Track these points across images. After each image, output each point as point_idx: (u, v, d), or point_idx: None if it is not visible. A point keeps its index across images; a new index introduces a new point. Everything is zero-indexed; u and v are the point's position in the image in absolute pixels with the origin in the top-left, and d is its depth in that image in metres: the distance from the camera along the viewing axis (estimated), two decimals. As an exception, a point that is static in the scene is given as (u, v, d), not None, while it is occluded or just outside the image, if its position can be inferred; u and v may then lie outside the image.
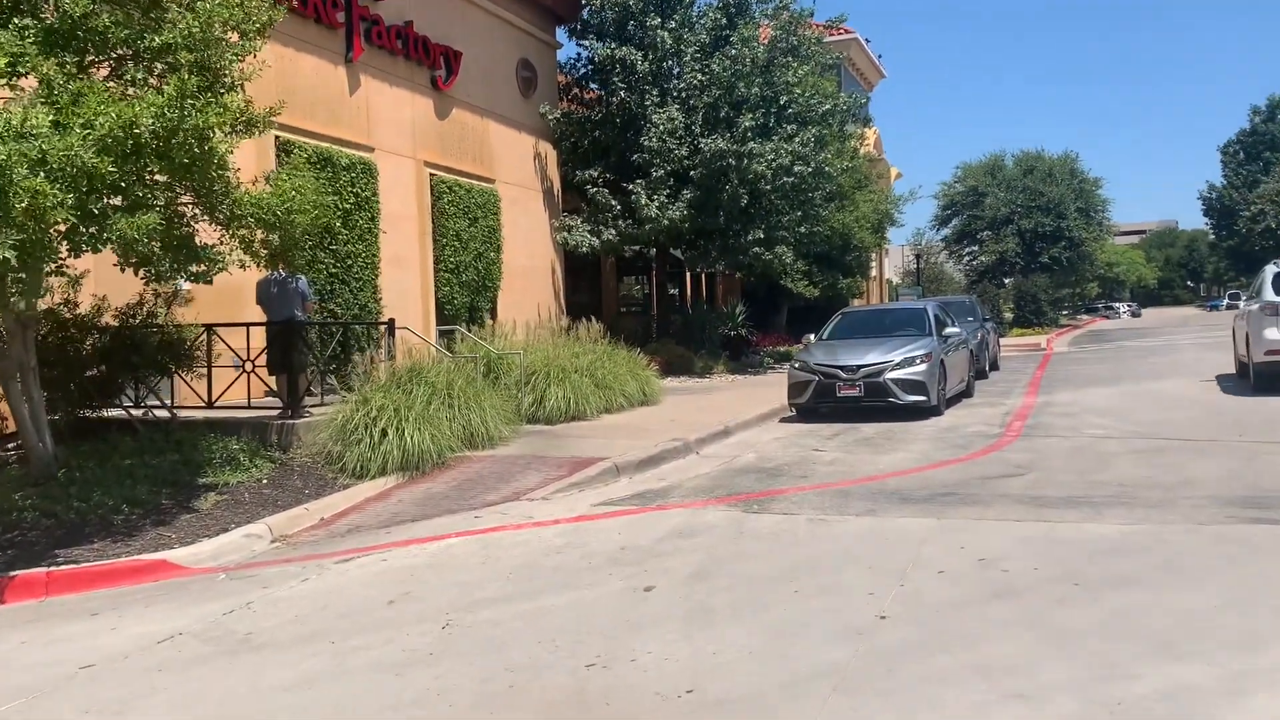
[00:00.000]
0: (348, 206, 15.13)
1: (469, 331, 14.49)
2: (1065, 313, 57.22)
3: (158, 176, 8.17)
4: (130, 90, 7.89)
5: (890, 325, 15.01)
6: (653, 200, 20.08)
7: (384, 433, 9.53)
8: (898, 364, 13.14)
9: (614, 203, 20.99)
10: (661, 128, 20.16)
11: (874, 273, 36.94)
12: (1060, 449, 10.20)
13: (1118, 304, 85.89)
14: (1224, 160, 68.93)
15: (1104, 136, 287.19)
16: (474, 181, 18.66)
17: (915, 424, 12.78)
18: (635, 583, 5.99)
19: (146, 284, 8.63)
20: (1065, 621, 4.89)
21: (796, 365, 13.88)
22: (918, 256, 50.39)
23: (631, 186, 20.22)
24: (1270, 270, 14.87)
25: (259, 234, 9.23)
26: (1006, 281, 47.89)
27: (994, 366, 21.53)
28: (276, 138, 14.20)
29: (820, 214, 23.68)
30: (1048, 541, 6.51)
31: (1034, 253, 47.78)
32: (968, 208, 50.78)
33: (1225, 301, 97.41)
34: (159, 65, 8.15)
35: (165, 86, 7.51)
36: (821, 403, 13.51)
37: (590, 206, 21.59)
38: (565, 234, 20.90)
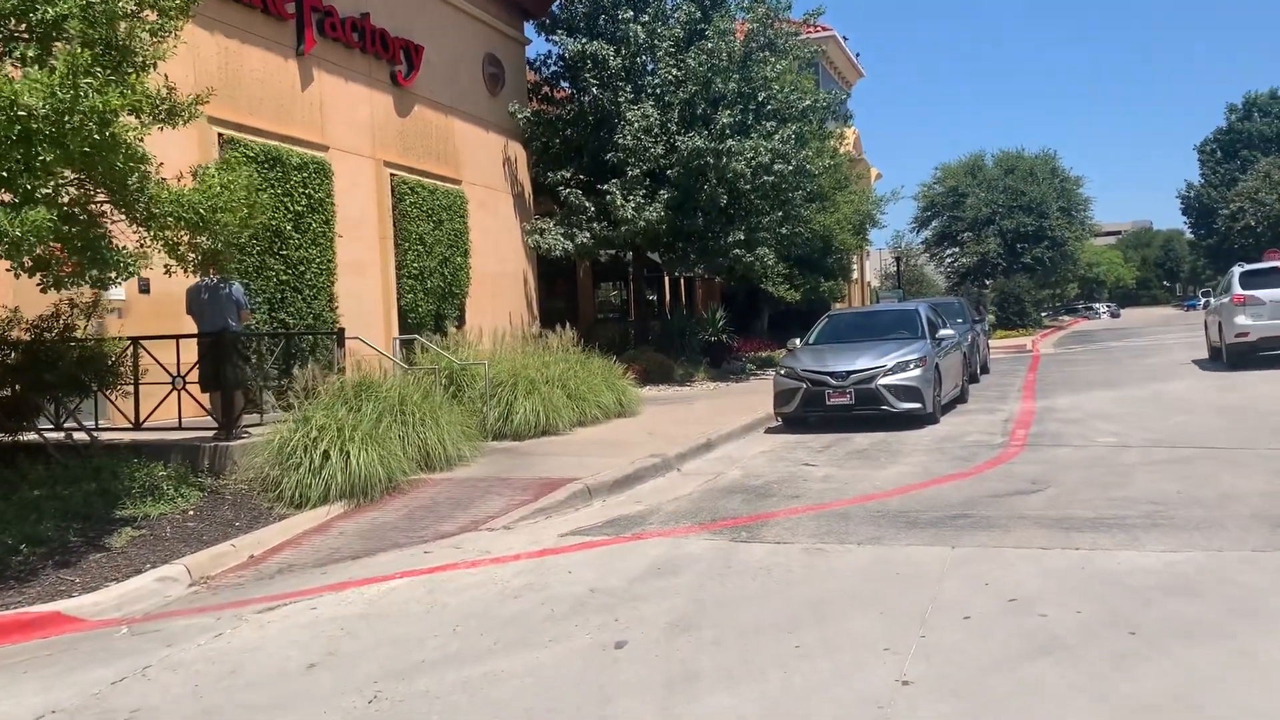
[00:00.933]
0: (300, 209, 14.13)
1: (430, 341, 13.50)
2: (1046, 314, 56.80)
3: (65, 171, 7.19)
4: (20, 69, 6.88)
5: (881, 328, 14.12)
6: (629, 200, 19.16)
7: (326, 455, 8.52)
8: (890, 369, 12.24)
9: (588, 204, 20.05)
10: (636, 125, 19.25)
11: (855, 275, 36.14)
12: (1074, 460, 9.32)
13: (1097, 304, 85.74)
14: (1201, 159, 68.77)
15: (1076, 138, 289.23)
16: (438, 182, 17.68)
17: (911, 433, 11.89)
18: (605, 636, 5.03)
19: (45, 291, 7.59)
20: (1134, 689, 3.96)
21: (782, 372, 12.96)
22: (897, 259, 49.70)
23: (606, 186, 19.29)
24: (1236, 271, 18.48)
25: (185, 236, 8.25)
26: (988, 283, 47.22)
27: (984, 370, 20.73)
28: (220, 135, 13.22)
29: (801, 214, 22.83)
30: (1084, 575, 5.59)
31: (1016, 253, 47.18)
32: (948, 209, 50.14)
33: (1201, 301, 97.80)
34: (56, 43, 7.14)
35: (54, 63, 6.51)
36: (810, 411, 12.59)
37: (563, 209, 20.65)
38: (537, 237, 19.93)
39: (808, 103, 21.54)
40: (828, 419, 12.73)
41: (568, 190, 20.11)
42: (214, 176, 8.29)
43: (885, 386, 12.13)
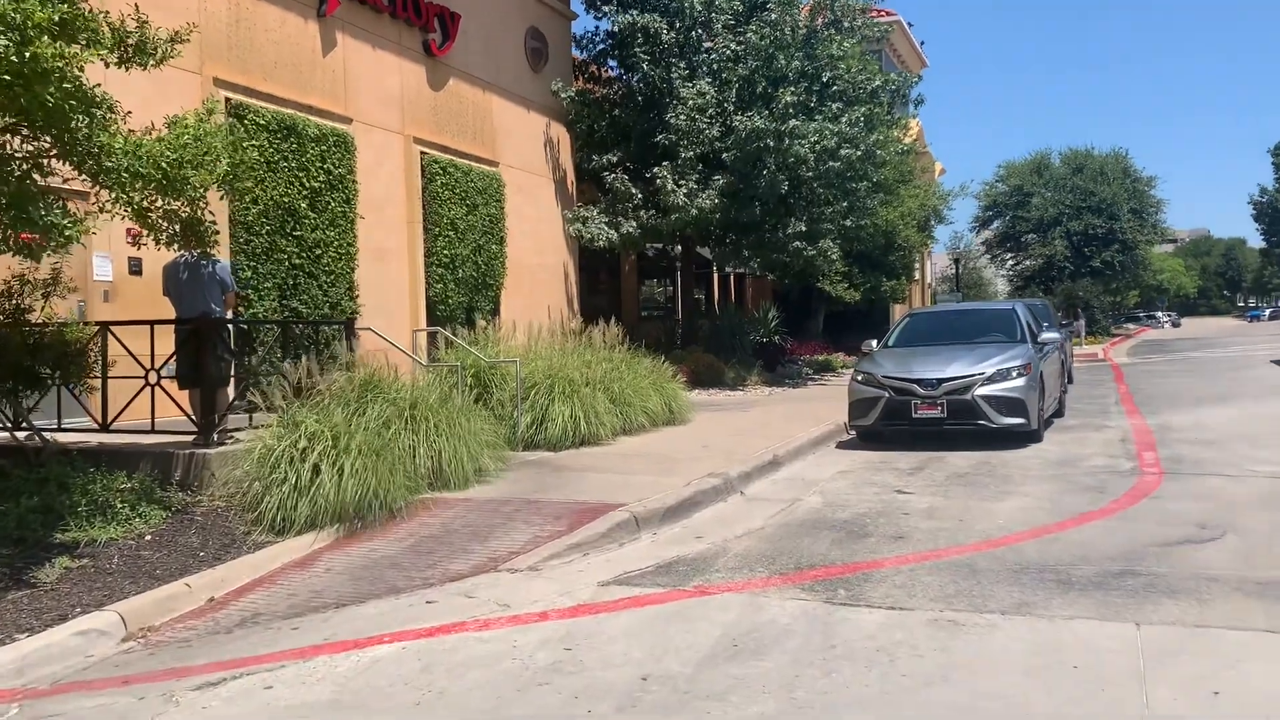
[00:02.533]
0: (317, 185, 12.66)
1: (456, 335, 11.92)
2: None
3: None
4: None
5: (971, 329, 12.30)
6: (680, 186, 17.48)
7: (316, 469, 6.94)
8: (990, 377, 10.45)
9: (635, 191, 18.40)
10: (690, 104, 17.57)
11: (918, 276, 34.19)
12: (1240, 496, 7.50)
13: (1158, 313, 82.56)
14: (1276, 162, 65.45)
15: (1138, 139, 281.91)
16: (473, 164, 16.14)
17: (1015, 454, 10.11)
18: (666, 768, 3.37)
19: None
20: None
21: (860, 378, 11.20)
22: (956, 261, 47.47)
23: (657, 170, 17.61)
24: None
25: (157, 200, 6.75)
26: (1054, 287, 44.89)
27: (1070, 380, 18.77)
28: (228, 100, 11.76)
29: (867, 206, 21.00)
30: (1361, 684, 3.84)
31: (1084, 256, 44.77)
32: (1011, 209, 47.80)
33: (1269, 311, 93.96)
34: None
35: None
36: (891, 425, 10.84)
37: (608, 196, 19.01)
38: (579, 225, 18.31)
39: (877, 83, 19.73)
40: (911, 434, 10.97)
41: (613, 176, 18.47)
42: (189, 128, 6.78)
43: (983, 398, 10.35)
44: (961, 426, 10.48)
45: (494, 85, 16.97)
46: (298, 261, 12.30)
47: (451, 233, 15.38)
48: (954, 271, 47.43)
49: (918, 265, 33.23)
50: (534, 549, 6.39)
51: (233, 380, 8.53)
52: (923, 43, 32.44)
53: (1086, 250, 45.17)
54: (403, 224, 14.76)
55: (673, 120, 17.70)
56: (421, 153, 15.12)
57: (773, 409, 14.92)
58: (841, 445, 11.51)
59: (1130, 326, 59.82)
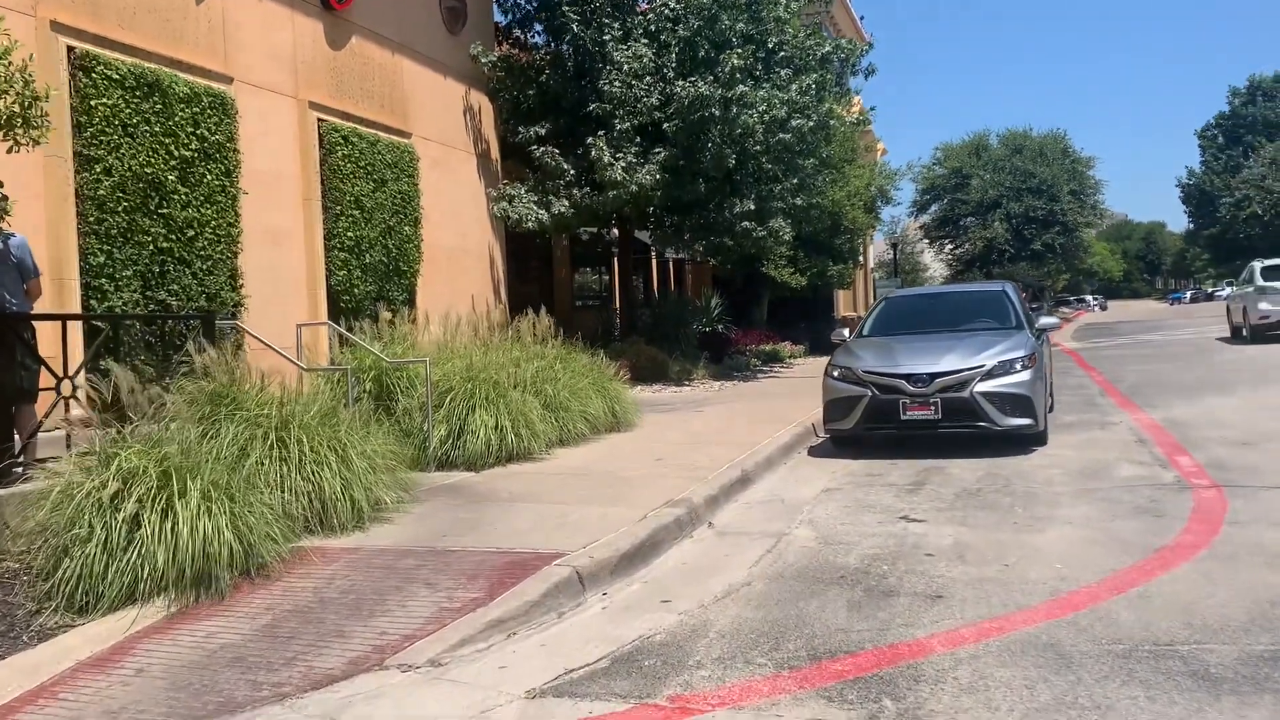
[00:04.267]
0: (189, 154, 10.62)
1: (358, 331, 9.99)
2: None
3: None
4: None
5: (958, 315, 10.72)
6: (617, 160, 15.68)
7: (136, 520, 5.01)
8: (990, 371, 8.86)
9: (566, 167, 16.56)
10: (626, 68, 15.77)
11: (862, 259, 32.86)
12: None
13: (1087, 296, 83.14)
14: (1202, 145, 65.92)
15: (1063, 125, 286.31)
16: (381, 134, 14.14)
17: (1023, 460, 8.55)
18: None
19: None
20: None
21: (836, 374, 9.53)
22: (894, 246, 46.46)
23: (590, 142, 15.77)
24: (1257, 265, 23.17)
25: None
26: (994, 271, 44.06)
27: (1039, 367, 17.45)
28: (71, 49, 9.65)
29: (816, 184, 19.42)
30: None
31: (1024, 239, 44.01)
32: (950, 191, 46.89)
33: (1189, 293, 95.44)
34: None
35: None
36: (875, 428, 9.20)
37: (537, 173, 17.13)
38: (505, 205, 16.39)
39: (827, 49, 18.15)
40: (897, 439, 9.36)
41: (542, 150, 16.59)
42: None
43: (984, 395, 8.75)
44: (958, 429, 8.88)
45: (405, 47, 14.96)
46: (165, 244, 10.26)
47: (356, 212, 13.39)
48: (892, 257, 46.43)
49: (863, 249, 31.90)
50: (438, 629, 4.56)
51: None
52: (862, 18, 31.11)
53: (1026, 233, 44.44)
54: (298, 202, 12.74)
55: (606, 87, 15.88)
56: (319, 120, 13.08)
57: (727, 408, 13.23)
58: (814, 451, 9.86)
59: (1066, 310, 59.65)
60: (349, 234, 13.22)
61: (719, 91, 15.56)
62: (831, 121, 17.46)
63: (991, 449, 8.99)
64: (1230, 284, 58.18)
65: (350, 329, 9.77)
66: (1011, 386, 8.80)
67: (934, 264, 54.73)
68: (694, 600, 4.99)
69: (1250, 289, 22.56)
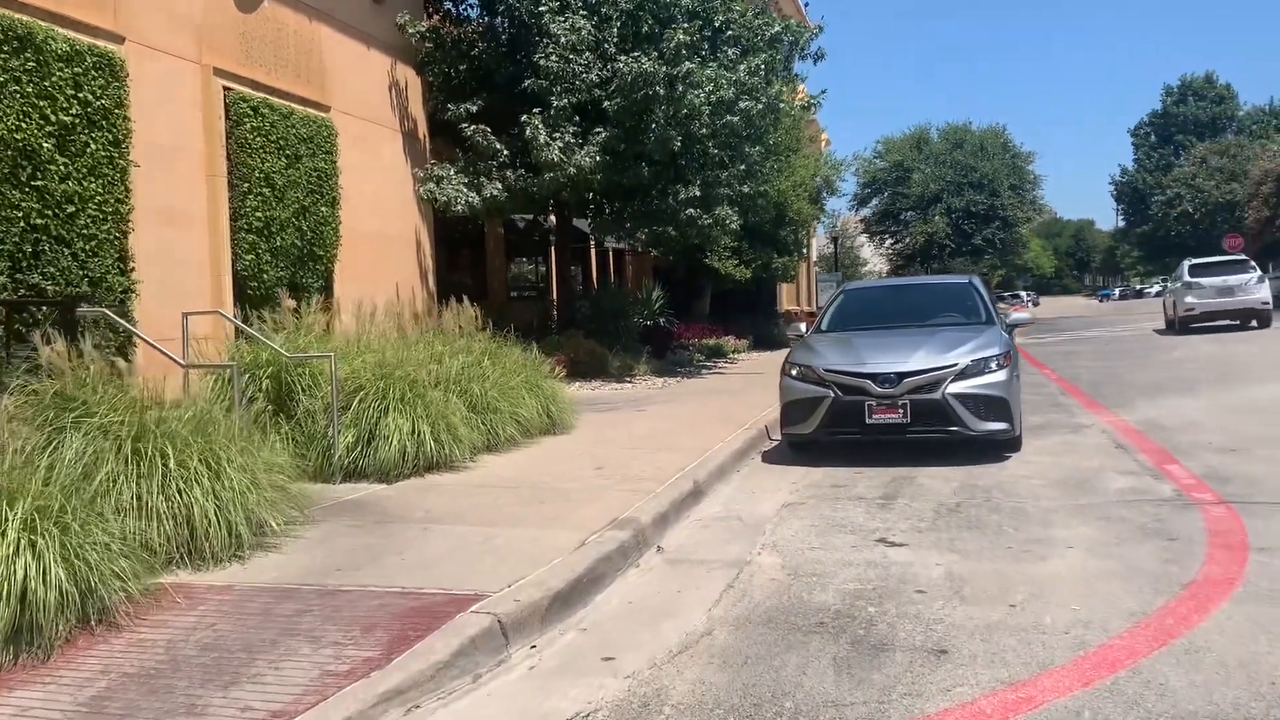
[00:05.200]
0: (69, 120, 9.36)
1: (253, 324, 8.82)
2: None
3: None
4: None
5: (922, 309, 9.91)
6: (554, 140, 14.65)
7: (-71, 562, 3.91)
8: (964, 370, 8.06)
9: (499, 147, 15.49)
10: (563, 41, 14.73)
11: (806, 251, 32.21)
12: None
13: (1021, 292, 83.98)
14: (1135, 143, 66.83)
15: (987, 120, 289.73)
16: (296, 106, 12.93)
17: (1000, 469, 7.77)
18: None
19: None
20: None
21: (794, 373, 8.63)
22: (835, 240, 46.04)
23: (526, 119, 14.71)
24: (1186, 264, 25.80)
25: None
26: (935, 266, 43.84)
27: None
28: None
29: (763, 171, 18.61)
30: None
31: (964, 234, 43.85)
32: (891, 185, 46.58)
33: (1118, 290, 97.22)
34: None
35: None
36: (838, 433, 8.33)
37: (468, 153, 16.03)
38: (433, 186, 15.25)
39: (777, 29, 17.32)
40: (860, 444, 8.51)
41: (474, 128, 15.49)
42: None
43: (957, 397, 7.94)
44: (928, 434, 8.06)
45: (323, 13, 13.74)
46: (40, 221, 9.00)
47: (266, 190, 12.18)
48: (832, 250, 46.03)
49: (807, 241, 31.26)
50: (318, 702, 3.54)
51: None
52: (806, 4, 30.39)
53: (966, 227, 44.30)
54: (200, 178, 11.51)
55: (543, 62, 14.83)
56: (226, 88, 11.86)
57: (672, 407, 12.31)
58: (769, 457, 8.99)
59: (1003, 306, 59.84)
60: (258, 214, 12.02)
61: (663, 69, 14.62)
62: (781, 105, 16.62)
63: (962, 456, 8.20)
64: (1162, 280, 59.47)
65: (248, 320, 8.60)
66: (987, 388, 8.01)
67: (873, 258, 54.57)
68: (644, 657, 4.04)
69: (1179, 285, 25.30)
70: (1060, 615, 4.29)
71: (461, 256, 21.59)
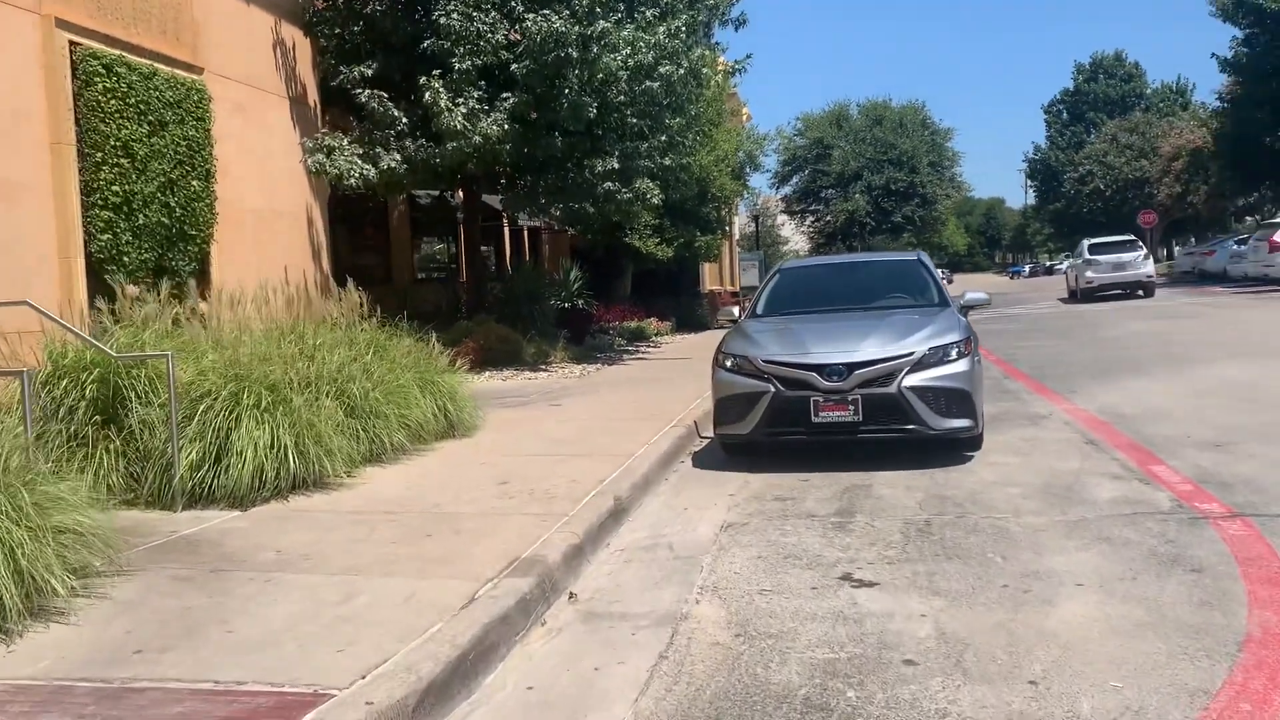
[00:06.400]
0: None
1: (88, 315, 7.39)
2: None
3: None
4: None
5: (868, 290, 8.88)
6: (457, 105, 13.28)
7: None
8: (921, 360, 7.04)
9: (397, 114, 14.07)
10: (466, -2, 13.36)
11: (729, 229, 31.21)
12: None
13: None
14: (1047, 120, 67.40)
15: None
16: (161, 65, 11.36)
17: (964, 472, 6.79)
18: None
19: None
20: None
21: (729, 364, 7.51)
22: (755, 219, 45.24)
23: (425, 81, 13.31)
24: (1085, 242, 31.05)
25: None
26: (855, 245, 43.34)
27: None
28: None
29: (685, 143, 17.48)
30: None
31: (884, 212, 43.41)
32: (811, 163, 45.89)
33: (1028, 267, 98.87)
34: None
35: None
36: (780, 434, 7.25)
37: (364, 121, 14.56)
38: (322, 158, 13.75)
39: (698, -11, 16.14)
40: (804, 445, 7.45)
41: (368, 94, 14.04)
42: None
43: (915, 390, 6.92)
44: (883, 434, 7.04)
45: (192, -40, 12.17)
46: None
47: (125, 161, 10.63)
48: (754, 229, 45.24)
49: (731, 218, 30.27)
50: None
51: None
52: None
53: (886, 205, 43.87)
54: (41, 146, 9.94)
55: (443, 20, 13.45)
56: (73, 43, 10.26)
57: (591, 400, 11.13)
58: (700, 460, 7.88)
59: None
60: (115, 188, 10.47)
61: (576, 29, 13.35)
62: (704, 70, 15.49)
63: (920, 457, 7.20)
64: (1065, 256, 60.79)
65: (36, 307, 7.13)
66: (948, 380, 7.01)
67: (794, 237, 54.04)
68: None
69: (1080, 261, 30.38)
70: (1102, 700, 3.25)
71: (364, 236, 20.08)
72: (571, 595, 4.64)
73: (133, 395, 6.14)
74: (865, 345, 7.13)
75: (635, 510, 6.21)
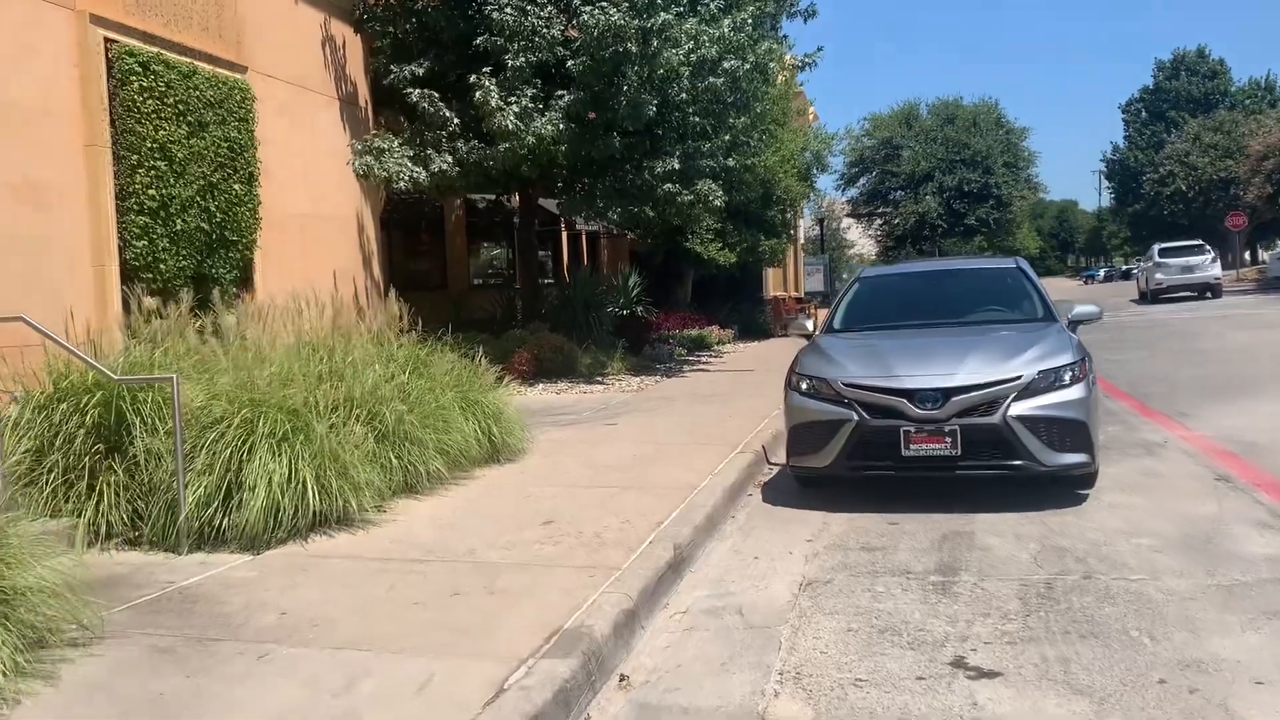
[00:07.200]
0: None
1: (130, 327, 6.81)
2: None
3: None
4: None
5: (961, 301, 7.94)
6: (509, 104, 12.59)
7: None
8: (1030, 385, 6.12)
9: (449, 114, 13.43)
10: (520, -9, 12.67)
11: (795, 233, 30.22)
12: None
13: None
14: (1126, 120, 64.94)
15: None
16: (201, 64, 10.86)
17: (1079, 516, 5.85)
18: None
19: None
20: None
21: (805, 387, 6.65)
22: (820, 221, 44.08)
23: (476, 80, 12.65)
24: (1155, 247, 33.15)
25: None
26: (925, 249, 41.94)
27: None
28: None
29: (750, 142, 16.61)
30: None
31: (957, 214, 41.90)
32: (879, 164, 44.54)
33: (1103, 271, 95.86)
34: None
35: None
36: (866, 466, 6.36)
37: (414, 121, 13.97)
38: (370, 160, 13.16)
39: (764, -21, 15.28)
40: (895, 481, 6.56)
41: (419, 93, 13.42)
42: None
43: (1024, 421, 5.99)
44: (985, 470, 6.12)
45: (237, -45, 11.67)
46: None
47: (162, 163, 10.12)
48: (818, 233, 44.09)
49: (796, 221, 29.26)
50: None
51: None
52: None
53: (959, 207, 42.35)
54: (74, 148, 9.47)
55: (496, 15, 12.76)
56: (109, 40, 9.78)
57: (648, 418, 10.32)
58: (771, 494, 7.02)
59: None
60: (151, 192, 9.96)
61: (635, 22, 12.58)
62: (771, 64, 14.61)
63: (1026, 495, 6.28)
64: (1138, 260, 59.11)
65: (32, 322, 6.51)
66: (1061, 409, 6.06)
67: (861, 241, 52.65)
68: None
69: (1150, 264, 32.57)
70: None
71: (420, 242, 19.55)
72: (622, 678, 3.85)
73: (138, 421, 5.49)
74: (963, 368, 6.22)
75: (697, 559, 5.39)
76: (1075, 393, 6.16)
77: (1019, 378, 6.11)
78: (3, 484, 4.18)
